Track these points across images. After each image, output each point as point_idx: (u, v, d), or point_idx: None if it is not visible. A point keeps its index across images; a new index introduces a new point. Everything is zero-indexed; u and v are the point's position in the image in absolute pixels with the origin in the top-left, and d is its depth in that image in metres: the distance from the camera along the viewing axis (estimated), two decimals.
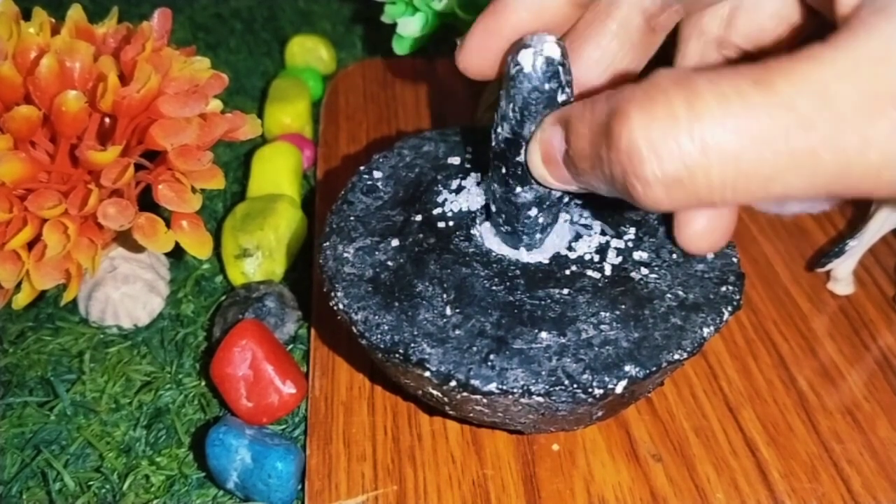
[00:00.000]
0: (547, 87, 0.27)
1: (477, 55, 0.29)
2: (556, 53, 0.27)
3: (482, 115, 0.52)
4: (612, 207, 0.35)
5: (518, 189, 0.30)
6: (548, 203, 0.31)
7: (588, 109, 0.24)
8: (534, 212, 0.31)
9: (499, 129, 0.29)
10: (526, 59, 0.27)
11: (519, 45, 0.27)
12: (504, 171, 0.30)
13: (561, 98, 0.28)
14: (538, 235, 0.32)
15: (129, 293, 0.41)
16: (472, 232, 0.33)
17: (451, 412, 0.32)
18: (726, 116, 0.20)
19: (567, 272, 0.31)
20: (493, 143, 0.30)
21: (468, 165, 0.37)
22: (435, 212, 0.34)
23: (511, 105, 0.28)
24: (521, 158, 0.29)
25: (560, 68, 0.27)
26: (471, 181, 0.35)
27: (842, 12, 0.22)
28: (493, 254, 0.32)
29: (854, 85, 0.19)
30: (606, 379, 0.28)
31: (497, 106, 0.29)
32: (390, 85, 0.58)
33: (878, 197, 0.24)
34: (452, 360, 0.28)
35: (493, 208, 0.32)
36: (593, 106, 0.24)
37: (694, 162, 0.21)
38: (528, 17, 0.28)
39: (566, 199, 0.33)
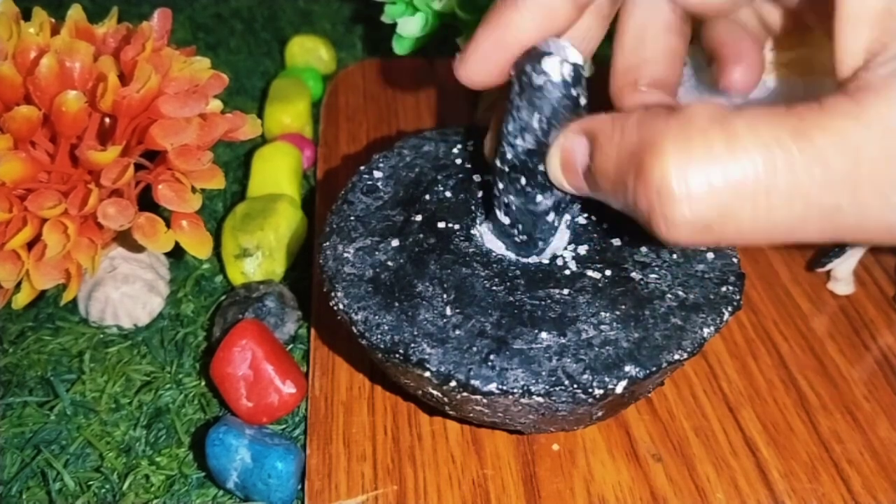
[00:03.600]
0: (574, 92, 0.27)
1: (481, 66, 0.28)
2: (579, 58, 0.27)
3: (482, 115, 0.52)
4: (612, 208, 0.35)
5: (539, 198, 0.30)
6: (563, 206, 0.31)
7: (618, 131, 0.23)
8: (551, 217, 0.31)
9: (517, 142, 0.29)
10: (552, 67, 0.27)
11: (535, 53, 0.27)
12: (524, 182, 0.30)
13: (583, 102, 0.28)
14: (551, 239, 0.32)
15: (128, 293, 0.41)
16: (472, 232, 0.33)
17: (451, 412, 0.32)
18: (764, 167, 0.20)
19: (567, 272, 0.31)
20: (510, 157, 0.29)
21: (468, 165, 0.37)
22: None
23: (537, 115, 0.27)
24: (542, 167, 0.29)
25: (582, 72, 0.27)
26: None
27: (850, 65, 0.22)
28: (494, 254, 0.32)
29: (883, 150, 0.20)
30: (606, 379, 0.28)
31: (508, 119, 0.28)
32: (390, 85, 0.58)
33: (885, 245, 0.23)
34: (452, 361, 0.28)
35: (508, 220, 0.32)
36: (623, 128, 0.23)
37: (727, 207, 0.21)
38: (535, 26, 0.27)
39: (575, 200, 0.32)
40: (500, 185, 0.31)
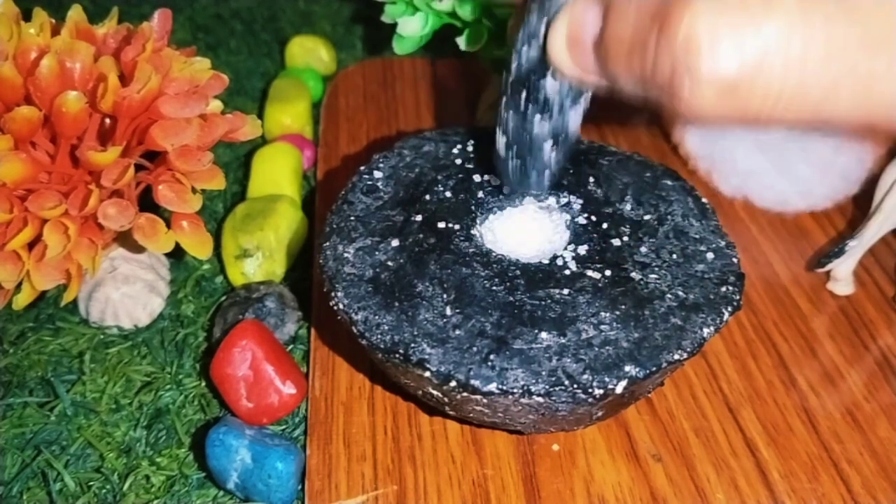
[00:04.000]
0: None
1: None
2: None
3: (482, 115, 0.52)
4: (612, 208, 0.35)
5: (536, 117, 0.29)
6: (562, 138, 0.30)
7: None
8: (548, 146, 0.30)
9: (523, 50, 0.27)
10: None
11: None
12: (524, 96, 0.28)
13: None
14: (547, 173, 0.31)
15: (129, 293, 0.41)
16: (472, 232, 0.33)
17: (451, 412, 0.32)
18: (800, 22, 0.19)
19: (567, 272, 0.32)
20: (514, 67, 0.28)
21: (468, 166, 0.37)
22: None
23: (546, 20, 0.26)
24: (545, 81, 0.28)
25: None
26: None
27: None
28: (494, 254, 0.32)
29: None
30: (606, 379, 0.28)
31: (521, 25, 0.27)
32: (390, 85, 0.58)
33: None
34: (452, 361, 0.28)
35: (503, 142, 0.31)
36: None
37: (757, 67, 0.19)
38: None
39: (576, 139, 0.31)
40: (503, 102, 0.30)
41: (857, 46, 0.19)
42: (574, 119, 0.29)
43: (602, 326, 0.30)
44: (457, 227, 0.33)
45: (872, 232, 0.42)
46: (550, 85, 0.28)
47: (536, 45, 0.27)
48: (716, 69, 0.20)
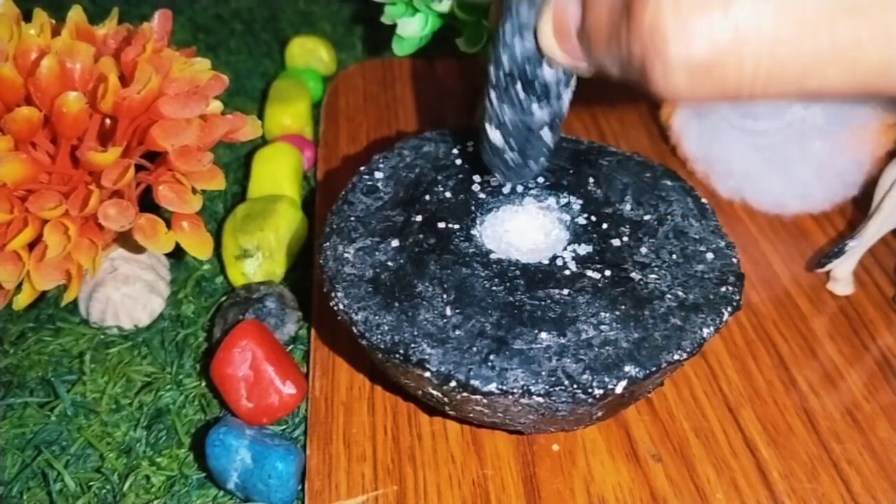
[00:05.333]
0: None
1: None
2: None
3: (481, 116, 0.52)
4: (612, 208, 0.35)
5: (534, 106, 0.29)
6: (557, 120, 0.30)
7: None
8: (546, 133, 0.30)
9: (515, 41, 0.27)
10: None
11: None
12: (521, 90, 0.28)
13: None
14: (542, 160, 0.32)
15: (129, 294, 0.41)
16: (472, 232, 0.33)
17: (451, 412, 0.32)
18: None
19: (567, 273, 0.32)
20: (506, 63, 0.28)
21: (468, 166, 0.37)
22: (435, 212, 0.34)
23: (534, 10, 0.26)
24: (541, 70, 0.28)
25: None
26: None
27: None
28: (493, 254, 0.32)
29: None
30: (606, 379, 0.28)
31: (506, 19, 0.27)
32: (390, 86, 0.58)
33: None
34: (452, 361, 0.28)
35: (501, 138, 0.30)
36: None
37: (726, 46, 0.19)
38: None
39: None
40: (494, 97, 0.30)
41: (833, 16, 0.18)
42: (566, 100, 0.29)
43: (602, 326, 0.30)
44: (457, 227, 0.33)
45: (872, 232, 0.42)
46: (547, 73, 0.28)
47: (529, 36, 0.27)
48: (685, 54, 0.19)
